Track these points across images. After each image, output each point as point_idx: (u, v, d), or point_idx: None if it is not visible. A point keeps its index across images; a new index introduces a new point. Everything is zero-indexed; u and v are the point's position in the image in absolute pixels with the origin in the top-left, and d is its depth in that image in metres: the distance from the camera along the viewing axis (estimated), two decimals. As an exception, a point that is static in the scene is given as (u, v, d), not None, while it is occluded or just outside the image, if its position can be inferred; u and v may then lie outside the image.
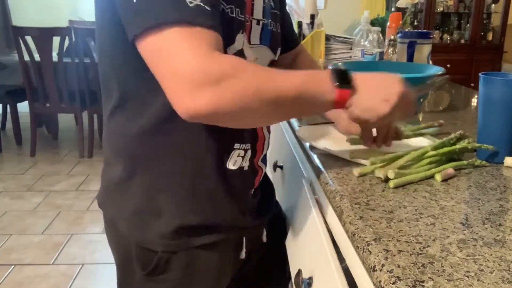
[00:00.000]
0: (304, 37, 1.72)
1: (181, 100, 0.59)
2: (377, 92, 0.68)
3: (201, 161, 0.74)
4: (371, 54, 1.59)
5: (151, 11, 0.59)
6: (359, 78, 0.68)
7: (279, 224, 1.03)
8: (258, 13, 0.77)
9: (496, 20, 4.67)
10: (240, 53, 0.73)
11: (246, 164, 0.79)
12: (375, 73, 0.70)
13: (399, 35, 1.49)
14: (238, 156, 0.77)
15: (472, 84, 4.23)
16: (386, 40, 1.65)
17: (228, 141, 0.75)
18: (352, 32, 1.89)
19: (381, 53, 1.60)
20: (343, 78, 0.66)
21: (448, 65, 4.37)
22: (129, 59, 0.68)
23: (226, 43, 0.68)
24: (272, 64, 0.84)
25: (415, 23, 4.56)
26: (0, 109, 4.28)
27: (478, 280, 0.47)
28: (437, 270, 0.49)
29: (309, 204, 0.85)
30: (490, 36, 4.69)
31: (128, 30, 0.62)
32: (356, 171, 0.76)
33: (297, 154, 1.08)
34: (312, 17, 1.74)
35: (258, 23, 0.77)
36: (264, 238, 0.94)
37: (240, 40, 0.72)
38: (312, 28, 1.74)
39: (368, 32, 1.66)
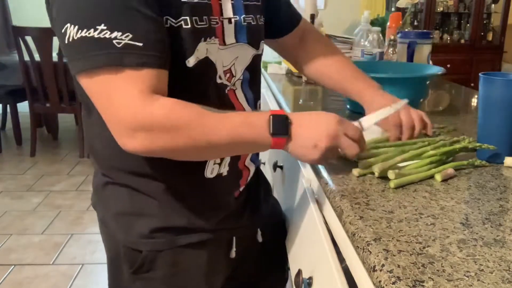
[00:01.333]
0: (304, 37, 1.72)
1: (119, 138, 0.63)
2: (308, 139, 0.68)
3: (178, 171, 0.75)
4: (371, 54, 1.59)
5: (81, 54, 0.61)
6: (295, 123, 0.68)
7: (277, 224, 1.03)
8: (227, 11, 0.74)
9: (496, 20, 4.67)
10: (206, 61, 0.72)
11: (224, 170, 0.80)
12: (313, 115, 0.71)
13: (399, 35, 1.49)
14: (214, 164, 0.78)
15: (472, 84, 4.23)
16: (386, 40, 1.65)
17: None
18: (352, 32, 1.89)
19: (381, 53, 1.60)
20: (280, 126, 0.67)
21: (448, 65, 4.37)
22: None
23: (183, 56, 0.69)
24: (258, 58, 0.83)
25: (415, 23, 4.56)
26: (0, 109, 4.28)
27: (478, 280, 0.47)
28: (437, 270, 0.49)
29: (309, 204, 0.85)
30: (490, 36, 4.69)
31: (69, 65, 0.65)
32: (356, 171, 0.76)
33: (297, 154, 1.08)
34: (312, 17, 1.74)
35: (230, 22, 0.75)
36: (259, 238, 0.93)
37: (202, 48, 0.70)
38: (312, 28, 1.74)
39: (368, 32, 1.66)
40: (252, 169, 0.88)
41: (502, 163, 0.81)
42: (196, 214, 0.79)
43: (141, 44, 0.61)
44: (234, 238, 0.86)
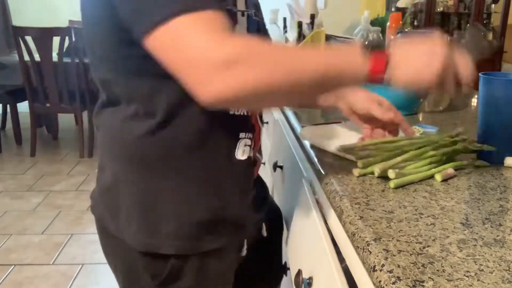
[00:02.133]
0: (304, 37, 1.72)
1: (201, 88, 0.57)
2: (419, 56, 0.61)
3: (208, 154, 0.71)
4: (371, 54, 1.59)
5: (154, 8, 0.58)
6: (394, 45, 0.62)
7: (276, 218, 1.03)
8: (241, 4, 0.74)
9: (496, 20, 4.67)
10: None
11: (251, 154, 0.77)
12: (412, 38, 0.64)
13: (399, 35, 1.49)
14: (245, 145, 0.74)
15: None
16: (386, 40, 1.65)
17: (234, 131, 0.73)
18: (352, 32, 1.89)
19: (381, 53, 1.60)
20: (375, 48, 0.64)
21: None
22: (131, 60, 0.67)
23: None
24: None
25: (415, 23, 4.56)
26: (0, 109, 4.28)
27: (478, 280, 0.47)
28: (437, 270, 0.49)
29: (309, 204, 0.85)
30: (490, 36, 4.69)
31: (134, 31, 0.61)
32: (356, 171, 0.76)
33: (297, 154, 1.08)
34: (312, 17, 1.74)
35: (243, 15, 0.73)
36: (264, 233, 0.92)
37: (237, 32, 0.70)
38: (312, 28, 1.74)
39: (368, 32, 1.66)
40: (260, 160, 0.87)
41: (502, 163, 0.81)
42: (220, 203, 0.74)
43: None
44: (245, 239, 0.84)
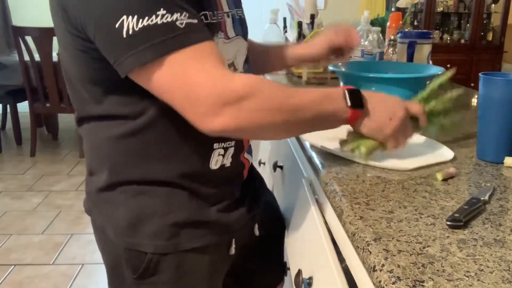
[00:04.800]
0: (304, 37, 1.72)
1: (203, 123, 0.62)
2: (383, 112, 0.75)
3: (183, 164, 0.75)
4: (371, 54, 1.59)
5: (148, 44, 0.59)
6: (368, 99, 0.74)
7: (274, 217, 1.03)
8: (224, 5, 0.76)
9: (496, 20, 4.67)
10: None
11: (227, 161, 0.80)
12: (381, 95, 0.77)
13: (399, 35, 1.49)
14: (219, 155, 0.78)
15: (472, 84, 4.23)
16: (386, 40, 1.65)
17: (207, 142, 0.76)
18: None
19: (381, 53, 1.60)
20: (355, 98, 0.72)
21: (448, 65, 4.37)
22: (108, 83, 0.69)
23: None
24: (248, 50, 0.85)
25: (415, 23, 4.56)
26: (0, 109, 4.28)
27: (478, 280, 0.47)
28: (437, 270, 0.49)
29: (309, 204, 0.85)
30: (490, 36, 4.69)
31: (117, 65, 0.62)
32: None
33: (297, 154, 1.08)
34: (312, 17, 1.74)
35: (228, 16, 0.76)
36: (257, 232, 0.93)
37: (216, 42, 0.72)
38: (312, 28, 1.74)
39: (368, 32, 1.67)
40: (250, 161, 0.89)
41: (502, 163, 0.81)
42: (199, 207, 0.78)
43: (196, 21, 0.62)
44: (233, 238, 0.85)
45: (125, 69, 0.62)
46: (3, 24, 4.36)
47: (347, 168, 0.79)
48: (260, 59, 1.01)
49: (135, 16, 0.59)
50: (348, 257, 0.65)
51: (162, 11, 0.59)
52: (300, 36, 1.74)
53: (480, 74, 0.81)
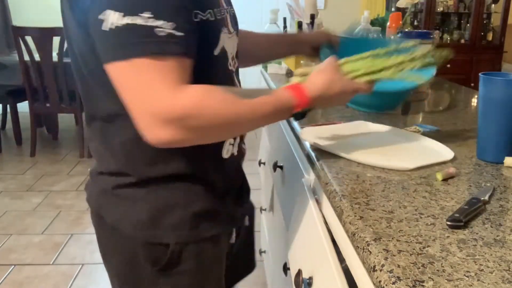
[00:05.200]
0: (304, 37, 1.72)
1: (145, 131, 0.63)
2: (332, 101, 0.81)
3: (198, 156, 0.77)
4: (371, 54, 1.59)
5: (122, 43, 0.61)
6: (315, 95, 0.76)
7: (253, 213, 1.08)
8: (223, 3, 0.79)
9: (496, 20, 4.67)
10: (223, 50, 0.76)
11: (235, 150, 0.84)
12: (322, 79, 0.78)
13: (399, 35, 1.49)
14: (229, 144, 0.82)
15: (472, 84, 4.23)
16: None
17: None
18: (352, 32, 1.89)
19: (381, 53, 1.60)
20: (301, 116, 0.77)
21: (448, 65, 4.37)
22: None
23: (210, 46, 0.72)
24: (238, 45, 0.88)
25: (415, 23, 4.56)
26: (0, 109, 4.28)
27: (478, 280, 0.47)
28: (437, 270, 0.49)
29: (309, 204, 0.85)
30: (490, 36, 4.69)
31: (101, 56, 0.65)
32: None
33: (297, 154, 1.08)
34: (312, 17, 1.74)
35: (227, 12, 0.79)
36: (246, 222, 0.98)
37: (223, 38, 0.75)
38: (312, 28, 1.74)
39: (368, 32, 1.66)
40: (246, 150, 0.93)
41: (502, 163, 0.81)
42: (214, 196, 0.81)
43: (182, 34, 0.62)
44: (234, 228, 0.90)
45: (103, 61, 0.64)
46: (3, 24, 4.36)
47: (347, 168, 0.79)
48: (262, 47, 1.05)
49: (119, 13, 0.59)
50: (348, 257, 0.65)
51: (147, 14, 0.59)
52: (300, 36, 1.74)
53: (480, 74, 0.81)
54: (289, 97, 0.74)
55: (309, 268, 0.79)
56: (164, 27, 0.60)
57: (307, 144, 0.92)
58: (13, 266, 2.13)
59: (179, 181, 0.77)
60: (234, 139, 0.83)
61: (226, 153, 0.81)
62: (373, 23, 1.88)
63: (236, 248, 0.98)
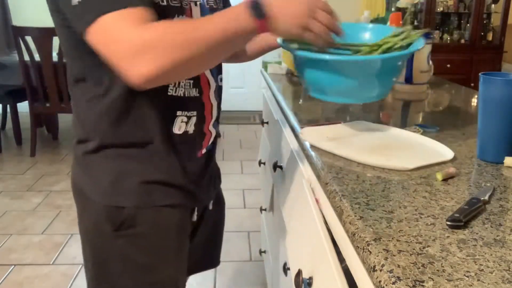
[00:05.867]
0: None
1: (127, 74, 0.68)
2: (290, 15, 0.75)
3: (151, 130, 0.85)
4: (371, 54, 1.59)
5: (88, 9, 0.69)
6: (269, 4, 0.73)
7: (221, 205, 1.16)
8: None
9: (496, 20, 4.67)
10: None
11: (191, 129, 0.89)
12: None
13: (399, 35, 1.49)
14: (182, 122, 0.87)
15: (472, 84, 4.23)
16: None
17: (170, 110, 0.85)
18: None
19: (381, 53, 1.60)
20: (258, 11, 0.72)
21: (448, 65, 4.37)
22: (78, 49, 0.79)
23: None
24: None
25: (415, 23, 4.56)
26: (0, 109, 4.28)
27: (478, 280, 0.47)
28: (437, 270, 0.49)
29: (309, 204, 0.85)
30: (490, 36, 4.69)
31: (76, 29, 0.73)
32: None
33: (297, 154, 1.08)
34: (312, 17, 1.74)
35: (196, 4, 0.85)
36: (210, 206, 1.06)
37: None
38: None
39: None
40: (213, 133, 0.98)
41: (502, 163, 0.81)
42: (168, 169, 0.88)
43: None
44: (196, 207, 0.98)
45: (80, 32, 0.71)
46: (3, 24, 4.36)
47: (347, 168, 0.79)
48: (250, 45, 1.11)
49: None
50: (348, 257, 0.65)
51: None
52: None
53: (480, 74, 0.81)
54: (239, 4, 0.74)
55: (309, 268, 0.79)
56: None
57: (307, 144, 0.92)
58: (13, 266, 2.13)
59: (134, 150, 0.85)
60: (188, 118, 0.87)
61: (178, 129, 0.87)
62: (373, 23, 1.88)
63: (200, 237, 1.06)
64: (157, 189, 0.88)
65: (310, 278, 0.76)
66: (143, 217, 0.87)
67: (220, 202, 1.14)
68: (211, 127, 0.95)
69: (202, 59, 0.72)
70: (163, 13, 0.76)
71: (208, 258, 1.16)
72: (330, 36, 0.78)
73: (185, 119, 0.87)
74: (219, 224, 1.16)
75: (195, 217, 0.99)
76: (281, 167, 1.24)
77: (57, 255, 2.23)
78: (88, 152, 0.87)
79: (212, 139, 0.98)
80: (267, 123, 1.73)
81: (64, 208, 2.74)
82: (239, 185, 2.97)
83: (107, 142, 0.85)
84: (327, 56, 0.83)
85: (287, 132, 1.24)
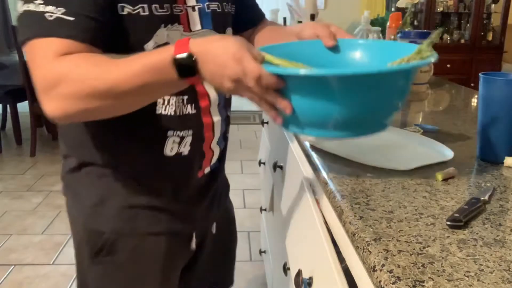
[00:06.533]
0: (304, 37, 1.72)
1: (42, 105, 0.65)
2: (215, 76, 0.60)
3: (137, 151, 0.79)
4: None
5: (22, 27, 0.67)
6: (201, 59, 0.60)
7: (229, 228, 1.06)
8: (191, 0, 0.77)
9: (496, 20, 4.67)
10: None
11: (185, 150, 0.81)
12: (216, 44, 0.60)
13: (399, 35, 1.49)
14: (174, 143, 0.79)
15: (472, 84, 4.23)
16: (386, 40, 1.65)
17: (160, 130, 0.78)
18: (352, 32, 1.89)
19: (381, 53, 1.61)
20: (186, 69, 0.60)
21: (448, 65, 4.37)
22: None
23: (142, 41, 0.72)
24: None
25: (415, 23, 4.56)
26: (0, 109, 4.28)
27: (478, 280, 0.47)
28: (437, 270, 0.49)
29: (309, 204, 0.85)
30: (490, 36, 4.69)
31: None
32: None
33: (297, 154, 1.08)
34: (312, 17, 1.74)
35: (193, 10, 0.77)
36: (213, 230, 0.97)
37: (162, 34, 0.73)
38: (312, 28, 1.74)
39: (368, 32, 1.67)
40: (217, 151, 0.89)
41: (502, 163, 0.81)
42: (158, 193, 0.81)
43: (72, 19, 0.64)
44: (194, 232, 0.88)
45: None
46: (3, 24, 4.36)
47: (347, 168, 0.79)
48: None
49: (21, 1, 0.66)
50: (348, 257, 0.65)
51: (39, 0, 0.64)
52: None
53: (480, 74, 0.81)
54: (167, 47, 0.62)
55: (309, 268, 0.79)
56: (53, 12, 0.63)
57: (307, 144, 0.92)
58: (13, 266, 2.13)
59: (119, 171, 0.79)
60: (181, 138, 0.79)
61: (170, 151, 0.79)
62: (373, 23, 1.88)
63: (205, 262, 0.96)
64: (142, 214, 0.81)
65: (310, 278, 0.76)
66: (124, 244, 0.80)
67: (228, 221, 1.04)
68: (213, 145, 0.86)
69: (112, 106, 0.65)
70: (147, 24, 0.70)
71: (219, 278, 1.07)
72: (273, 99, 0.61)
73: (177, 139, 0.79)
74: (228, 244, 1.06)
75: (193, 245, 0.89)
76: (281, 167, 1.24)
77: (57, 255, 2.23)
78: (71, 170, 0.83)
79: (216, 157, 0.89)
80: (267, 123, 1.73)
81: (64, 208, 2.73)
82: (239, 185, 2.97)
83: (88, 160, 0.80)
84: (320, 72, 0.61)
85: (287, 132, 1.24)
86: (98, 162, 0.79)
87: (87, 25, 0.65)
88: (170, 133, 0.78)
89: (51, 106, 0.63)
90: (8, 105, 3.87)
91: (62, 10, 0.64)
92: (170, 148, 0.79)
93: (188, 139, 0.80)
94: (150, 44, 0.72)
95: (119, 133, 0.77)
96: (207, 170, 0.88)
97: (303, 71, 0.59)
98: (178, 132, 0.79)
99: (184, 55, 0.60)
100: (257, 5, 1.00)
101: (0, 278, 2.03)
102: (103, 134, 0.78)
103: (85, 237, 0.82)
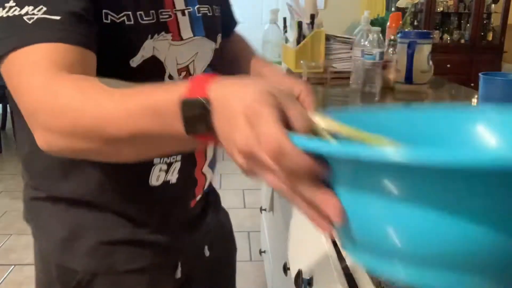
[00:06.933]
0: (304, 37, 1.72)
1: (34, 134, 0.51)
2: (227, 139, 0.39)
3: (120, 178, 0.67)
4: (371, 54, 1.59)
5: (1, 37, 0.52)
6: (216, 106, 0.39)
7: (226, 238, 0.94)
8: (179, 3, 0.66)
9: (496, 20, 4.67)
10: (151, 60, 0.63)
11: (173, 178, 0.71)
12: (234, 88, 0.39)
13: (399, 35, 1.49)
14: (160, 170, 0.69)
15: (472, 84, 4.24)
16: (386, 40, 1.65)
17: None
18: (352, 32, 1.89)
19: (381, 53, 1.60)
20: (196, 120, 0.40)
21: (448, 65, 4.37)
22: None
23: (127, 55, 0.61)
24: (217, 53, 0.74)
25: (415, 23, 4.56)
26: (0, 109, 4.28)
27: (478, 280, 0.47)
28: (437, 270, 0.48)
29: (309, 204, 0.85)
30: (490, 36, 4.69)
31: None
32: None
33: (297, 154, 1.08)
34: (312, 17, 1.74)
35: (183, 14, 0.66)
36: (207, 253, 0.84)
37: (149, 47, 0.62)
38: (312, 28, 1.74)
39: (368, 32, 1.66)
40: (209, 176, 0.79)
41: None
42: (140, 226, 0.71)
43: (58, 18, 0.51)
44: (179, 261, 0.77)
45: None
46: (3, 24, 4.36)
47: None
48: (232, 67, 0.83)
49: None
50: (348, 257, 0.65)
51: (10, 3, 0.51)
52: (300, 36, 1.74)
53: (480, 74, 0.81)
54: (181, 83, 0.42)
55: (309, 268, 0.79)
56: (32, 13, 0.50)
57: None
58: (13, 266, 2.13)
59: (93, 203, 0.68)
60: (169, 165, 0.69)
61: (156, 180, 0.69)
62: (373, 23, 1.88)
63: (201, 281, 0.85)
64: (120, 250, 0.70)
65: (310, 278, 0.76)
66: (101, 284, 0.70)
67: (224, 236, 0.92)
68: (205, 169, 0.76)
69: (106, 151, 0.50)
70: (133, 35, 0.60)
71: None
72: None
73: (164, 167, 0.69)
74: (226, 265, 0.94)
75: (178, 274, 0.77)
76: (281, 167, 1.23)
77: (57, 255, 2.23)
78: (37, 199, 0.71)
79: (208, 182, 0.79)
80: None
81: (64, 208, 2.74)
82: (239, 185, 2.97)
83: (58, 195, 0.68)
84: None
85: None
86: (70, 195, 0.68)
87: (77, 24, 0.52)
88: (156, 160, 0.68)
89: (36, 135, 0.50)
90: (8, 105, 3.87)
91: (43, 8, 0.50)
92: (156, 177, 0.69)
93: (177, 165, 0.70)
94: (136, 59, 0.61)
95: (97, 163, 0.63)
96: (198, 197, 0.78)
97: (396, 151, 0.28)
98: (166, 159, 0.68)
99: (194, 99, 0.40)
100: (232, 12, 0.88)
101: (0, 278, 2.03)
102: (77, 163, 0.64)
103: (55, 274, 0.70)
